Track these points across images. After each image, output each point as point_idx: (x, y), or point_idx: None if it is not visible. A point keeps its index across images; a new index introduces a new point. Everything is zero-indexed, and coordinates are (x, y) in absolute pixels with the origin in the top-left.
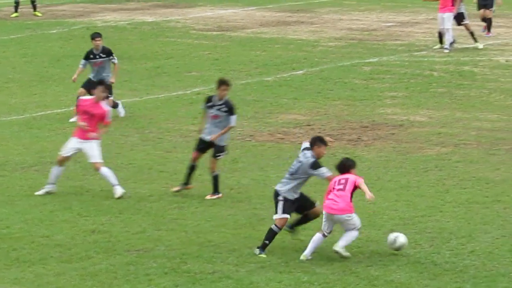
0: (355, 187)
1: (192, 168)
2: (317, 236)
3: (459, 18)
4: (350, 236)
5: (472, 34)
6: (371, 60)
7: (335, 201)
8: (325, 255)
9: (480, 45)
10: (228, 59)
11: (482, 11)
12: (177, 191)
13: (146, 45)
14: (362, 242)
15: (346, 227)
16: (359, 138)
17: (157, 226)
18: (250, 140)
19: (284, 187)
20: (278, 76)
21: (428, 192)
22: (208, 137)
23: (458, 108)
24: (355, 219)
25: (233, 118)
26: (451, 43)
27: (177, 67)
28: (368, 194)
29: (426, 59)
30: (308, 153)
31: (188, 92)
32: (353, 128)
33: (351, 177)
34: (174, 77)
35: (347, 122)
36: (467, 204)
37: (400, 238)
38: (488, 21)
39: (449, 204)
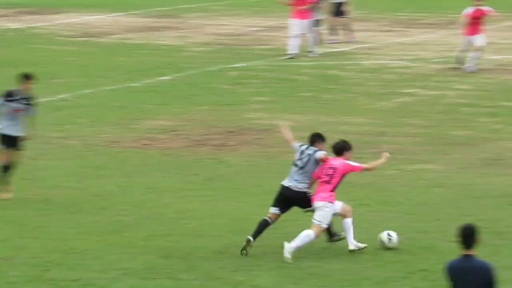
0: (344, 175)
1: (7, 168)
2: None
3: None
4: (303, 237)
5: (316, 40)
6: (238, 65)
7: (317, 191)
8: (189, 260)
9: (314, 53)
10: (93, 65)
11: (334, 18)
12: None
13: (10, 52)
14: (226, 247)
15: (313, 216)
16: (224, 143)
17: (21, 234)
18: (115, 147)
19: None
20: (144, 82)
21: None
22: (17, 134)
23: (324, 112)
24: (327, 212)
25: (36, 109)
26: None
27: (42, 74)
28: (378, 162)
29: (293, 64)
30: (312, 147)
31: (53, 98)
32: (219, 133)
33: (339, 166)
34: (38, 84)
35: (213, 127)
36: None
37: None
38: (346, 27)
39: None
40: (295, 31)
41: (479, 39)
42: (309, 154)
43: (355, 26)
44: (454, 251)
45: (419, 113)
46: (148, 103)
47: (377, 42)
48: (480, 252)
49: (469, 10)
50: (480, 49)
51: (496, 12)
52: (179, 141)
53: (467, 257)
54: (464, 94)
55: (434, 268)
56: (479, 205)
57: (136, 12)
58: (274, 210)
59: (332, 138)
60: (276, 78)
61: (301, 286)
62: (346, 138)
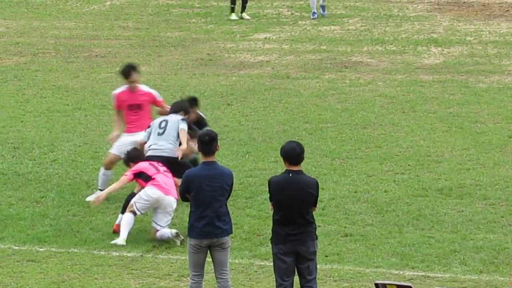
0: None
1: None
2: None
3: None
4: None
5: None
6: None
7: None
8: None
9: None
10: None
11: None
12: None
13: None
14: None
15: None
16: None
17: None
18: None
19: None
20: None
21: (8, 103)
22: None
23: (35, 17)
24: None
25: None
26: None
27: None
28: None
29: None
30: None
31: None
32: None
33: None
34: None
35: None
36: (48, 113)
37: None
38: None
39: (30, 114)
40: None
41: None
42: None
43: None
44: None
45: (131, 15)
46: None
47: None
48: None
49: None
50: None
51: None
52: None
53: (209, 164)
54: None
55: None
56: None
57: None
58: None
59: (46, 43)
60: None
61: (19, 192)
62: (58, 42)
